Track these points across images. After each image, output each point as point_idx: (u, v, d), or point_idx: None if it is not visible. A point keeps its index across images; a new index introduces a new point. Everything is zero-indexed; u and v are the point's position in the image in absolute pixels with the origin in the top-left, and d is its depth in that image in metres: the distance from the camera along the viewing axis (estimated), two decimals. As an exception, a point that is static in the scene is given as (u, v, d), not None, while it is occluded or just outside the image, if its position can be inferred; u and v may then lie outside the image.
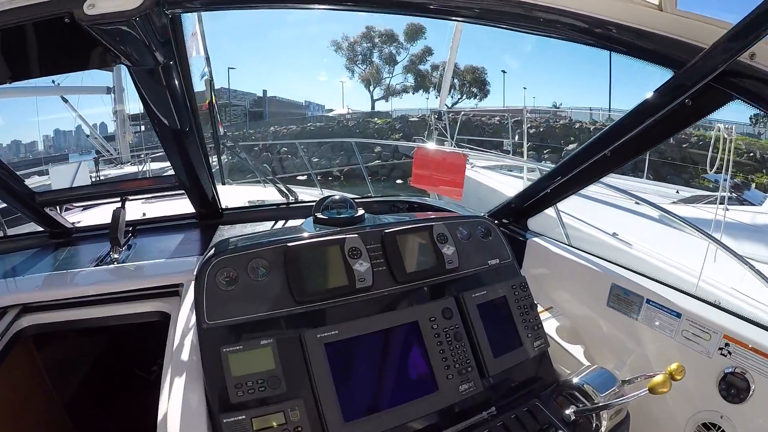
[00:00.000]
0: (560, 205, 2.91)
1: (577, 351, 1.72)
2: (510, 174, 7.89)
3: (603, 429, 1.32)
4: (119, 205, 2.36)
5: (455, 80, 36.07)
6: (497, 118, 28.80)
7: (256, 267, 1.28)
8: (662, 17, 1.20)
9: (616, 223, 5.03)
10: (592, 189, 6.40)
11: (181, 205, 2.79)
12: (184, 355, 1.35)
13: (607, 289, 1.76)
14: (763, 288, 2.78)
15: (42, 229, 2.63)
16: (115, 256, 2.18)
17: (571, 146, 24.52)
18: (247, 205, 3.46)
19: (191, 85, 1.60)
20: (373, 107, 42.26)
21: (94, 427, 2.52)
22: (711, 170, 5.39)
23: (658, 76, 1.34)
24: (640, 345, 1.54)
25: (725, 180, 5.24)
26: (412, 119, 32.32)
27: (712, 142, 5.38)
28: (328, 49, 40.97)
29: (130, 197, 2.57)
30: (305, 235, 1.40)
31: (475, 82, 41.10)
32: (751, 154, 21.42)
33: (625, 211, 5.79)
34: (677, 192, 7.83)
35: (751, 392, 1.40)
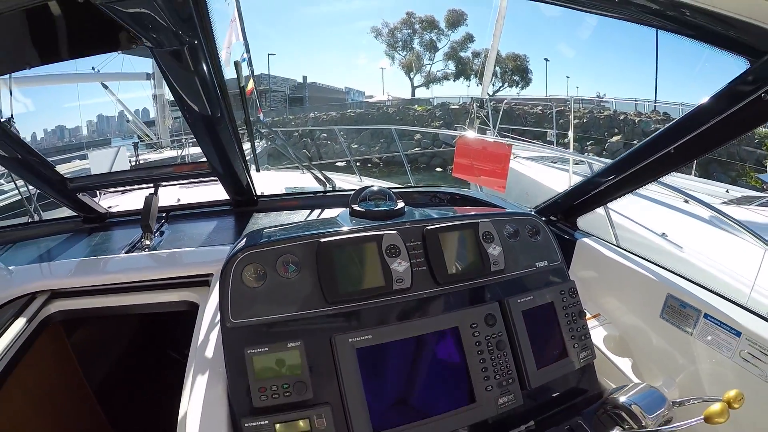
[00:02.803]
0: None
1: (624, 364, 1.58)
2: (554, 166, 7.59)
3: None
4: (153, 191, 2.35)
5: (497, 68, 35.42)
6: (539, 108, 28.07)
7: (285, 263, 1.20)
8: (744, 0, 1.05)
9: (664, 222, 4.73)
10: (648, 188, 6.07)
11: (216, 191, 2.76)
12: (209, 352, 1.30)
13: (662, 298, 1.60)
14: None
15: (76, 214, 2.65)
16: (147, 242, 2.18)
17: (615, 138, 23.73)
18: (283, 192, 3.43)
19: (220, 67, 1.50)
20: (413, 94, 42.04)
21: (123, 412, 2.54)
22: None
23: (712, 67, 1.18)
24: (693, 363, 1.39)
25: None
26: (452, 107, 31.88)
27: None
28: (368, 35, 40.95)
29: (164, 183, 2.56)
30: (340, 229, 1.31)
31: (517, 70, 40.34)
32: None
33: (673, 209, 5.45)
34: (727, 191, 7.37)
35: None
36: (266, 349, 1.09)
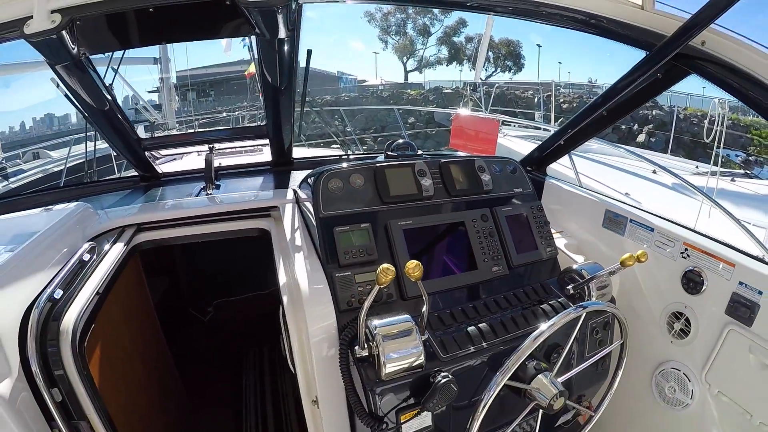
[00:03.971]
0: (585, 167, 3.46)
1: (579, 259, 2.28)
2: (538, 142, 8.36)
3: (593, 298, 1.86)
4: (207, 152, 2.78)
5: (490, 53, 35.86)
6: (530, 92, 28.72)
7: (354, 179, 1.86)
8: (642, 14, 1.76)
9: (631, 187, 5.54)
10: (615, 159, 6.98)
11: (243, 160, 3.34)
12: (297, 242, 1.92)
13: (602, 213, 2.35)
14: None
15: (134, 174, 3.09)
16: (209, 192, 2.63)
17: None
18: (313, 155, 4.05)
19: (298, 53, 2.14)
20: (406, 78, 42.26)
21: (182, 331, 3.17)
22: (708, 139, 5.97)
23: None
24: (625, 252, 1.87)
25: (718, 148, 5.86)
26: (445, 91, 32.30)
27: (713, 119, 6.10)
28: (362, 19, 40.90)
29: (218, 145, 3.07)
30: (388, 161, 1.98)
31: (509, 55, 40.71)
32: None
33: (642, 178, 6.32)
34: (697, 167, 8.22)
35: (705, 286, 1.94)
36: (348, 228, 1.74)
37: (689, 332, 2.02)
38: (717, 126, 6.14)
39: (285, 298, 1.73)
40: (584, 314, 1.46)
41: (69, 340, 1.51)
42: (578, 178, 2.73)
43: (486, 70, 38.17)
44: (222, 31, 1.97)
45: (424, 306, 1.43)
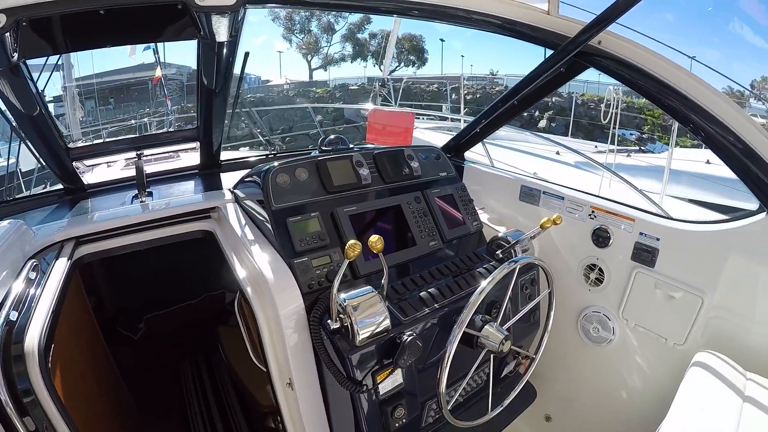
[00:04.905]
0: (495, 153, 3.88)
1: (501, 230, 2.57)
2: (450, 133, 8.88)
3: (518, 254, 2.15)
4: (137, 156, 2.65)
5: (394, 48, 36.53)
6: (435, 86, 29.73)
7: (300, 173, 2.01)
8: (548, 18, 2.09)
9: (538, 167, 6.13)
10: (521, 144, 7.63)
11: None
12: (249, 237, 2.02)
13: (518, 189, 2.68)
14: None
15: (55, 188, 2.92)
16: (143, 199, 2.56)
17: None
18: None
19: (236, 57, 2.23)
20: (311, 77, 42.31)
21: (126, 341, 3.18)
22: (605, 120, 6.82)
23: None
24: (541, 219, 2.08)
25: (613, 129, 6.81)
26: (351, 87, 32.75)
27: (609, 102, 7.06)
28: (266, 18, 40.29)
29: (146, 150, 2.90)
30: (327, 155, 2.15)
31: (413, 50, 41.81)
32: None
33: (547, 159, 6.99)
34: (596, 147, 9.13)
35: (611, 240, 2.34)
36: (300, 218, 1.89)
37: (603, 280, 2.42)
38: (612, 109, 6.97)
39: (249, 290, 1.81)
40: (517, 267, 1.72)
41: (36, 363, 1.44)
42: (491, 161, 3.06)
43: (390, 65, 38.81)
44: (167, 34, 1.94)
45: (385, 276, 1.63)
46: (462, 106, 11.35)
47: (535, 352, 2.01)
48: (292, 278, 1.75)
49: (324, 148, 2.33)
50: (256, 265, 1.81)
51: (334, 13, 39.28)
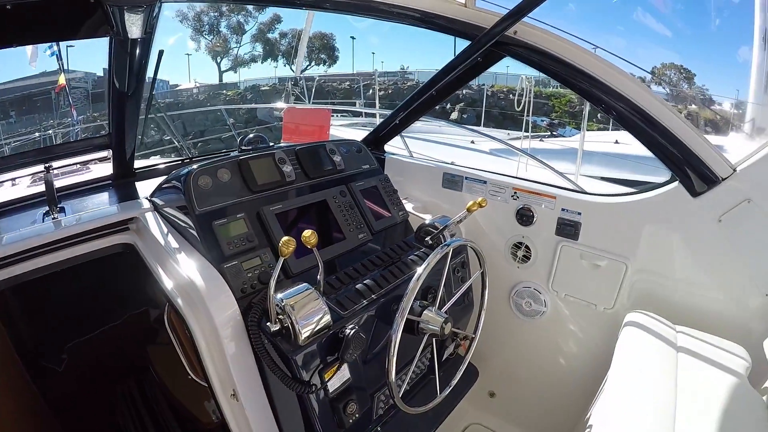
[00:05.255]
0: (411, 146, 3.97)
1: (427, 217, 2.61)
2: (365, 129, 8.97)
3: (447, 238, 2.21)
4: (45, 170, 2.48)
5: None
6: (347, 83, 29.82)
7: (222, 174, 1.95)
8: (466, 11, 2.17)
9: (454, 157, 6.37)
10: (438, 136, 7.90)
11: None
12: (174, 245, 1.94)
13: (441, 176, 2.77)
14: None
15: None
16: (55, 216, 2.39)
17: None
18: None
19: (149, 57, 2.10)
20: (221, 79, 41.08)
21: (52, 374, 2.97)
22: (518, 108, 7.26)
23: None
24: (464, 206, 2.12)
25: (527, 116, 7.29)
26: (263, 88, 32.17)
27: (522, 89, 7.55)
28: (174, 19, 38.68)
29: (55, 162, 2.73)
30: (248, 154, 2.10)
31: (323, 48, 41.63)
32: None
33: (463, 148, 7.28)
34: (508, 134, 9.59)
35: (535, 218, 2.50)
36: (225, 220, 1.84)
37: (531, 256, 2.57)
38: (525, 97, 7.39)
39: (180, 301, 1.74)
40: (450, 250, 1.77)
41: None
42: (410, 152, 3.13)
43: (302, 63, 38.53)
44: (77, 30, 1.82)
45: (320, 271, 1.63)
46: (377, 102, 11.51)
47: (474, 331, 2.07)
48: (224, 284, 1.70)
49: (244, 147, 2.27)
50: (184, 274, 1.74)
51: (243, 12, 38.49)
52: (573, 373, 2.67)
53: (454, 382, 2.00)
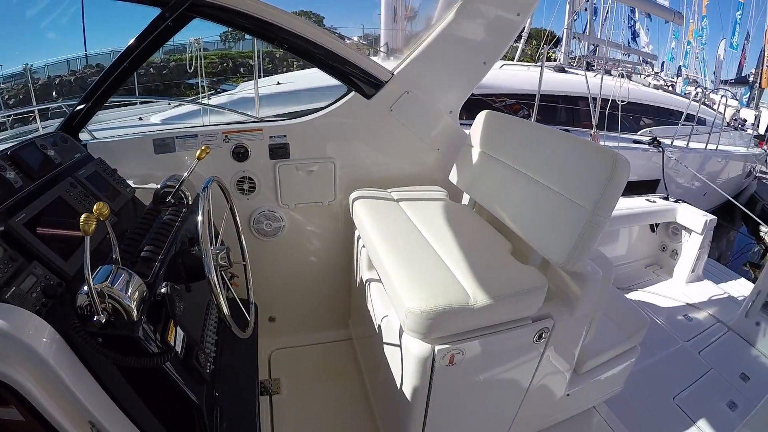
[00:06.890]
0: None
1: (154, 185, 2.64)
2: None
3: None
4: None
5: None
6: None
7: None
8: None
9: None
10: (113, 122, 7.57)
11: None
12: None
13: (151, 144, 2.79)
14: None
15: None
16: None
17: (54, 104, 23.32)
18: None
19: None
20: None
21: None
22: (190, 70, 7.61)
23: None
24: (180, 165, 2.58)
25: (203, 80, 7.68)
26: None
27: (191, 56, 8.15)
28: None
29: None
30: None
31: None
32: (225, 64, 28.88)
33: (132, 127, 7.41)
34: (169, 104, 9.50)
35: (249, 153, 2.89)
36: None
37: (256, 186, 2.97)
38: (196, 61, 7.97)
39: None
40: (210, 190, 1.86)
41: None
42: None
43: None
44: None
45: (114, 244, 1.55)
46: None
47: (243, 259, 2.34)
48: (22, 312, 1.39)
49: None
50: None
51: None
52: (329, 264, 3.31)
53: (251, 317, 2.10)
